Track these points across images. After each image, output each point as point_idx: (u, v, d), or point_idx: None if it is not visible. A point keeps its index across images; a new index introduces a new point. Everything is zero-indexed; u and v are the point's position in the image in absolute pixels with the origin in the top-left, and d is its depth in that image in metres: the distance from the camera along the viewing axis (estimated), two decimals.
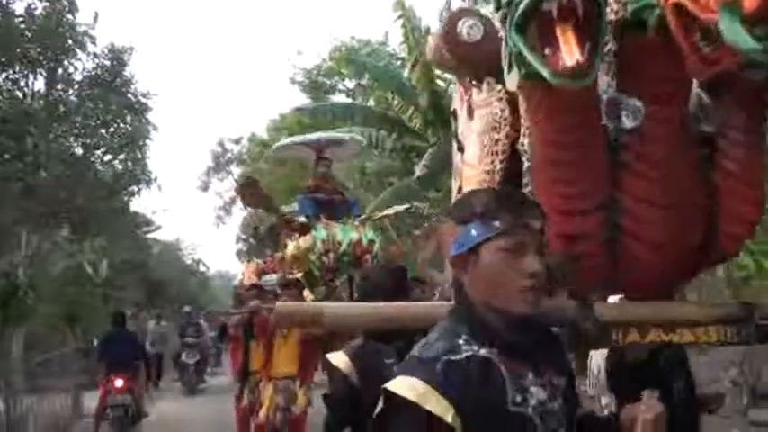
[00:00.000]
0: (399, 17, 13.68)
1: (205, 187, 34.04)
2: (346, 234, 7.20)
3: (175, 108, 70.35)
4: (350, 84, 23.64)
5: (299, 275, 7.45)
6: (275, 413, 7.07)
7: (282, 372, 7.17)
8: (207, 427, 11.15)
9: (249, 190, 7.87)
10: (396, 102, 14.59)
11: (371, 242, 7.32)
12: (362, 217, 7.94)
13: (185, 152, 73.53)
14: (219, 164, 33.61)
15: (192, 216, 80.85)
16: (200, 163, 53.38)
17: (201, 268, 36.43)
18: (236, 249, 35.80)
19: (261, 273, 10.38)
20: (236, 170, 32.99)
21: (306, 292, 7.22)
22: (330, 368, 3.02)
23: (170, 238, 33.51)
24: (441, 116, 14.15)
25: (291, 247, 7.53)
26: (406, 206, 10.76)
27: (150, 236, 24.60)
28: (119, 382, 10.00)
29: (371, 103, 19.81)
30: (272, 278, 9.31)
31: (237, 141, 32.44)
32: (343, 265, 7.15)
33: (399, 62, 17.63)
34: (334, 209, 7.74)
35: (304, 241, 7.31)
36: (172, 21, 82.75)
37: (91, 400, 12.29)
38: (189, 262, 34.71)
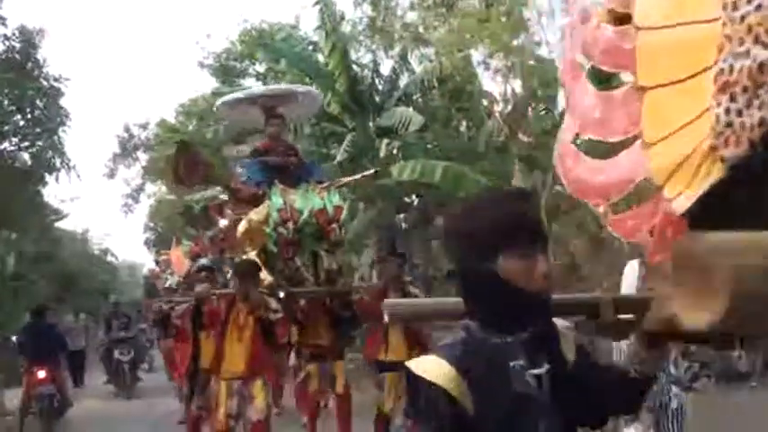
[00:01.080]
0: (316, 3, 13.78)
1: (112, 174, 33.05)
2: (307, 201, 6.09)
3: (79, 92, 67.74)
4: (261, 68, 23.49)
5: (252, 254, 6.28)
6: (232, 420, 5.90)
7: (233, 371, 5.88)
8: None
9: (186, 157, 6.34)
10: (314, 85, 14.66)
11: (338, 208, 6.20)
12: (324, 184, 6.74)
13: (90, 137, 71.25)
14: (126, 150, 32.71)
15: (99, 205, 78.24)
16: (105, 149, 51.85)
17: (110, 259, 35.51)
18: (144, 239, 35.22)
19: (195, 256, 9.27)
20: (144, 156, 32.28)
21: (263, 274, 6.15)
22: (421, 386, 1.70)
23: (78, 227, 32.65)
24: (358, 101, 14.40)
25: (242, 223, 6.40)
26: (374, 169, 9.35)
27: (58, 225, 23.90)
28: (41, 374, 9.92)
29: None
30: (204, 262, 8.36)
31: (144, 126, 31.69)
32: (304, 237, 6.08)
33: (311, 47, 17.68)
34: (290, 173, 6.65)
35: (256, 213, 6.19)
36: (73, 1, 79.24)
37: (9, 398, 12.03)
38: (97, 252, 33.81)
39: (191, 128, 23.43)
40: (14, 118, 12.77)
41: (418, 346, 6.13)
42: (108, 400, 13.74)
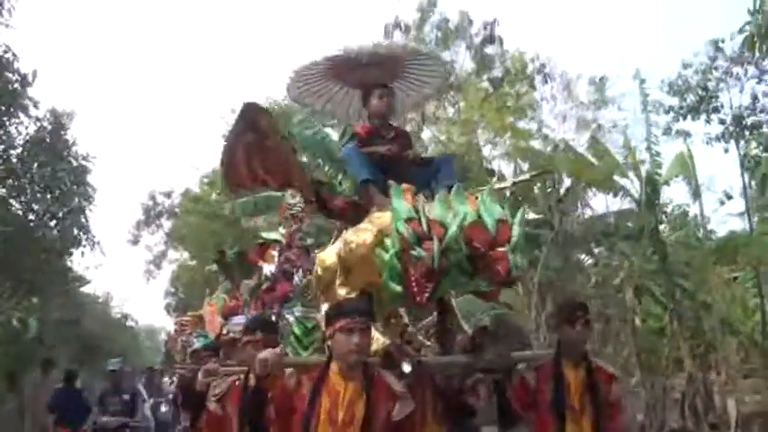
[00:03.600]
0: None
1: (135, 241, 34.00)
2: (450, 210, 3.58)
3: (106, 163, 69.66)
4: None
5: (349, 297, 3.71)
6: None
7: None
8: None
9: (256, 115, 4.13)
10: (327, 167, 15.29)
11: (503, 224, 3.51)
12: (482, 188, 4.14)
13: (115, 206, 72.86)
14: (150, 216, 33.70)
15: (121, 269, 79.33)
16: (130, 216, 53.02)
17: (130, 323, 36.07)
18: (164, 304, 35.80)
19: (229, 313, 6.81)
20: (167, 223, 33.20)
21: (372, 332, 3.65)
22: None
23: (99, 291, 33.33)
24: None
25: (333, 249, 4.09)
26: (545, 170, 6.22)
27: (82, 290, 24.50)
28: None
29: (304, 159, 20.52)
30: (240, 321, 5.83)
31: (168, 195, 32.74)
32: (452, 268, 3.45)
33: (328, 128, 18.36)
34: (406, 171, 4.28)
35: (358, 231, 3.81)
36: (98, 79, 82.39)
37: None
38: (117, 316, 34.44)
39: (213, 196, 24.18)
40: (46, 197, 13.40)
41: None
42: None
